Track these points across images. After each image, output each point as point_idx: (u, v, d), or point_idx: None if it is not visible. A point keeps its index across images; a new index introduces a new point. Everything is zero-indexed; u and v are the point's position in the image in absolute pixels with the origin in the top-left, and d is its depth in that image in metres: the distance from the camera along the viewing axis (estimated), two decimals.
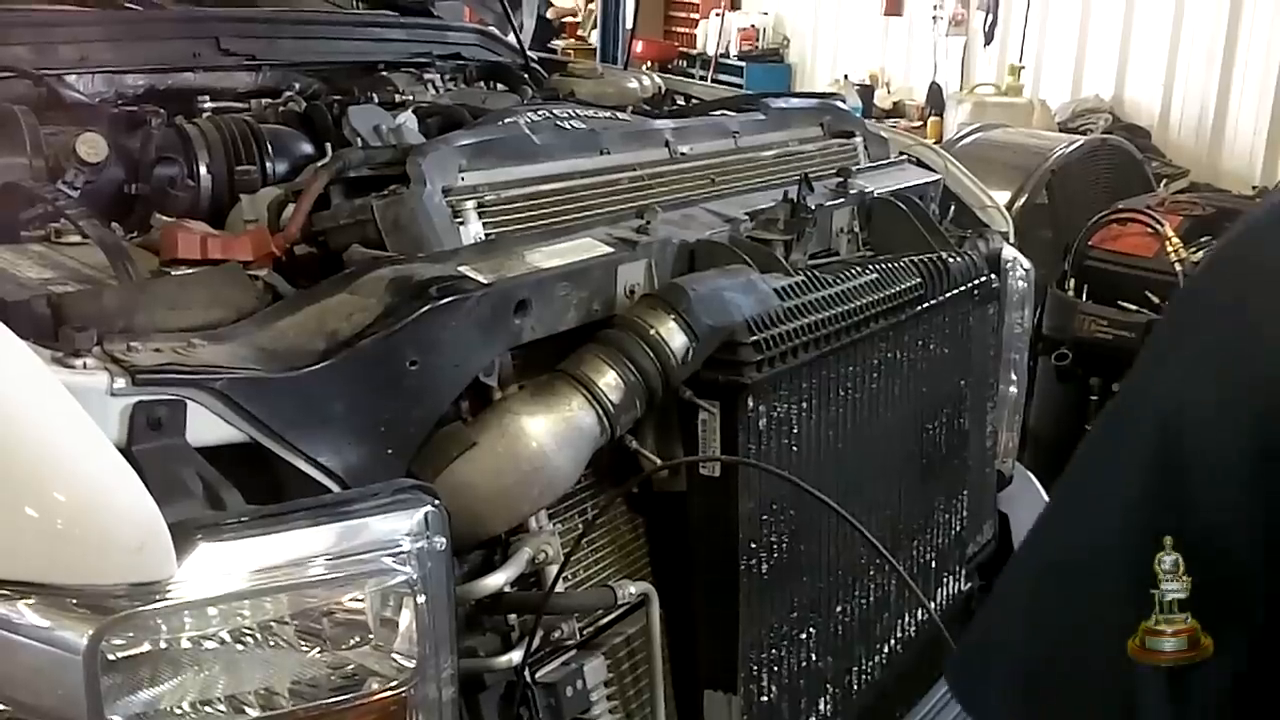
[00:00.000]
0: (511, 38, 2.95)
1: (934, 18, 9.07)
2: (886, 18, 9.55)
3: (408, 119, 2.01)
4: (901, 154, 2.55)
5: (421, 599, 1.15)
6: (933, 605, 2.07)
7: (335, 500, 1.18)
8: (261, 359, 1.23)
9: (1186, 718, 0.85)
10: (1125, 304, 3.58)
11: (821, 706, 1.82)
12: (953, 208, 2.47)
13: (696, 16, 11.19)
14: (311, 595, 1.11)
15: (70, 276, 1.40)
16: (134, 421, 1.10)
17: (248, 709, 1.09)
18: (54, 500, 1.00)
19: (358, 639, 1.14)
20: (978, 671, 0.95)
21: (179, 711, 1.06)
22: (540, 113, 2.02)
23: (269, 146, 1.87)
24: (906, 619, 2.02)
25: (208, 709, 1.07)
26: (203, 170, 1.80)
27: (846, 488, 1.76)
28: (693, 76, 9.27)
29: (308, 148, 1.93)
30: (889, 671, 1.97)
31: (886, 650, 1.97)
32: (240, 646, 1.09)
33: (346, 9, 2.95)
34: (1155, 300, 3.54)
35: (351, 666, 1.14)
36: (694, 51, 11.01)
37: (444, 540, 1.18)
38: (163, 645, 1.05)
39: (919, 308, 1.91)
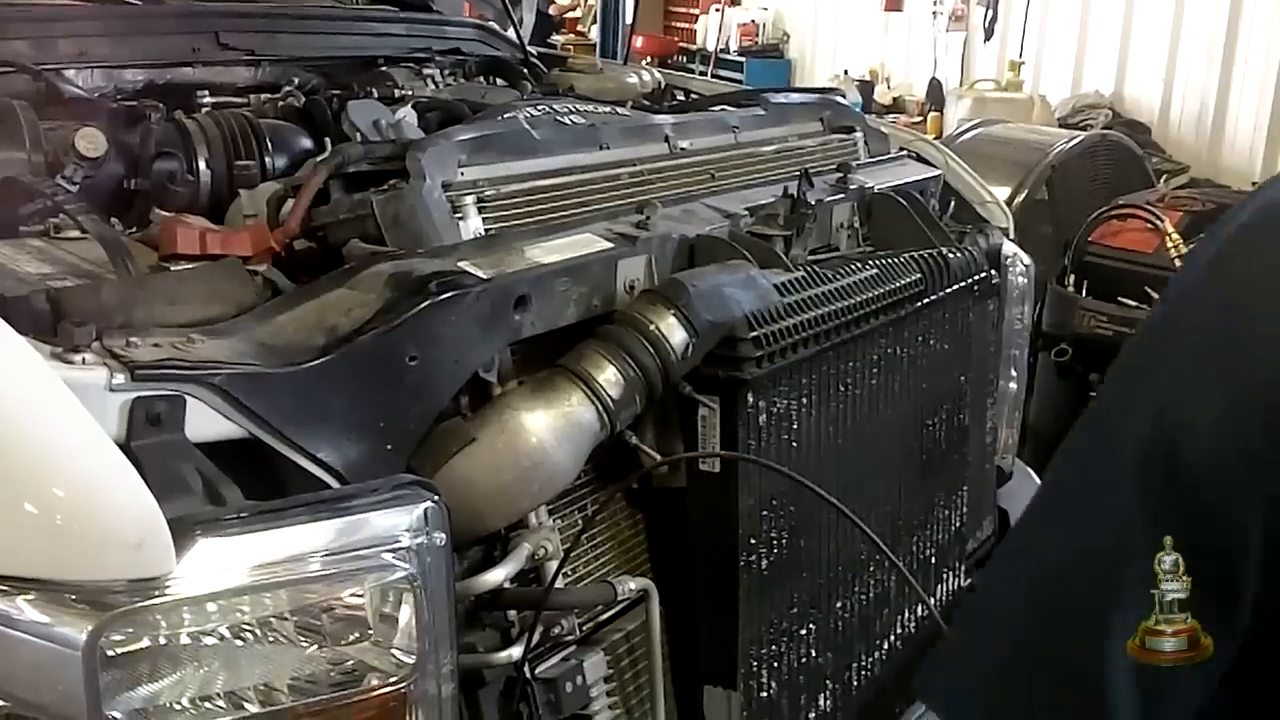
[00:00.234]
0: (511, 33, 2.95)
1: (934, 13, 9.07)
2: (886, 13, 9.55)
3: (407, 114, 2.01)
4: (901, 149, 2.55)
5: (421, 595, 1.15)
6: (932, 601, 2.07)
7: (335, 496, 1.18)
8: (261, 354, 1.23)
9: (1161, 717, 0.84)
10: (1125, 300, 3.58)
11: (821, 702, 1.82)
12: (953, 203, 2.47)
13: (696, 12, 11.19)
14: (311, 591, 1.11)
15: (69, 272, 1.40)
16: (133, 417, 1.10)
17: (247, 705, 1.09)
18: (53, 496, 1.00)
19: (357, 635, 1.14)
20: (950, 671, 0.95)
21: (178, 707, 1.06)
22: (540, 108, 2.02)
23: (268, 141, 1.87)
24: (906, 615, 2.02)
25: (207, 705, 1.07)
26: (202, 165, 1.80)
27: (846, 483, 1.76)
28: (693, 72, 9.26)
29: (307, 143, 1.93)
30: (889, 667, 1.97)
31: (886, 646, 1.97)
32: (240, 642, 1.08)
33: (346, 4, 2.95)
34: (1155, 296, 3.54)
35: (351, 662, 1.14)
36: (694, 47, 11.02)
37: (443, 536, 1.18)
38: (162, 641, 1.05)
39: (919, 303, 1.91)
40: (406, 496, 1.17)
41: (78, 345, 1.11)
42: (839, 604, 1.84)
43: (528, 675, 1.44)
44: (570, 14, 11.72)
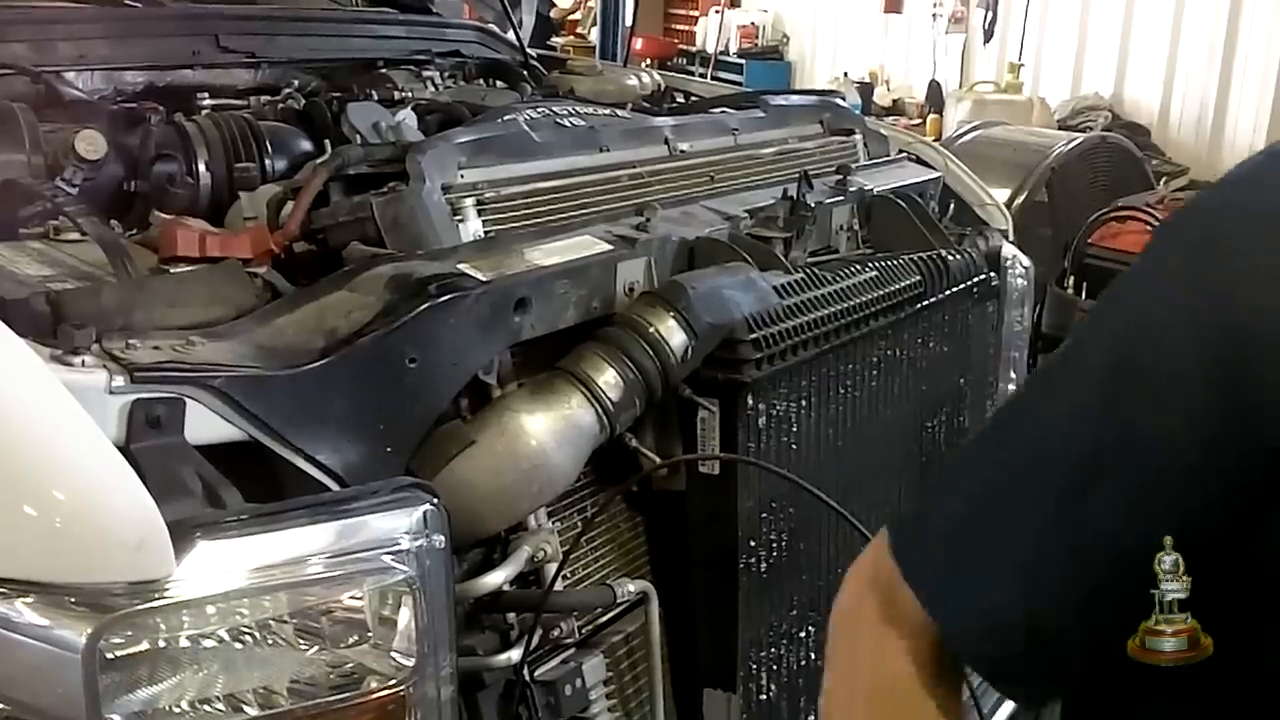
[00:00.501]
0: (511, 35, 2.95)
1: (934, 15, 9.07)
2: (886, 15, 9.55)
3: (407, 116, 2.01)
4: (901, 152, 2.55)
5: (420, 597, 1.15)
6: None
7: (334, 498, 1.18)
8: (260, 357, 1.23)
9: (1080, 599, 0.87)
10: None
11: None
12: (952, 205, 2.47)
13: (696, 14, 11.19)
14: (310, 594, 1.11)
15: (69, 274, 1.40)
16: (133, 419, 1.10)
17: (246, 708, 1.08)
18: (52, 498, 1.00)
19: (356, 637, 1.14)
20: (915, 534, 0.97)
21: (177, 710, 1.06)
22: (540, 110, 2.02)
23: (268, 144, 1.87)
24: None
25: (206, 708, 1.07)
26: (202, 168, 1.80)
27: (846, 486, 1.76)
28: (692, 74, 9.26)
29: (307, 145, 1.93)
30: None
31: None
32: (239, 645, 1.08)
33: (346, 6, 2.95)
34: None
35: (350, 665, 1.14)
36: (693, 49, 11.01)
37: (443, 538, 1.18)
38: (161, 644, 1.04)
39: (918, 305, 1.91)
40: (406, 499, 1.17)
41: (77, 348, 1.11)
42: None
43: (527, 678, 1.44)
44: (570, 16, 11.72)
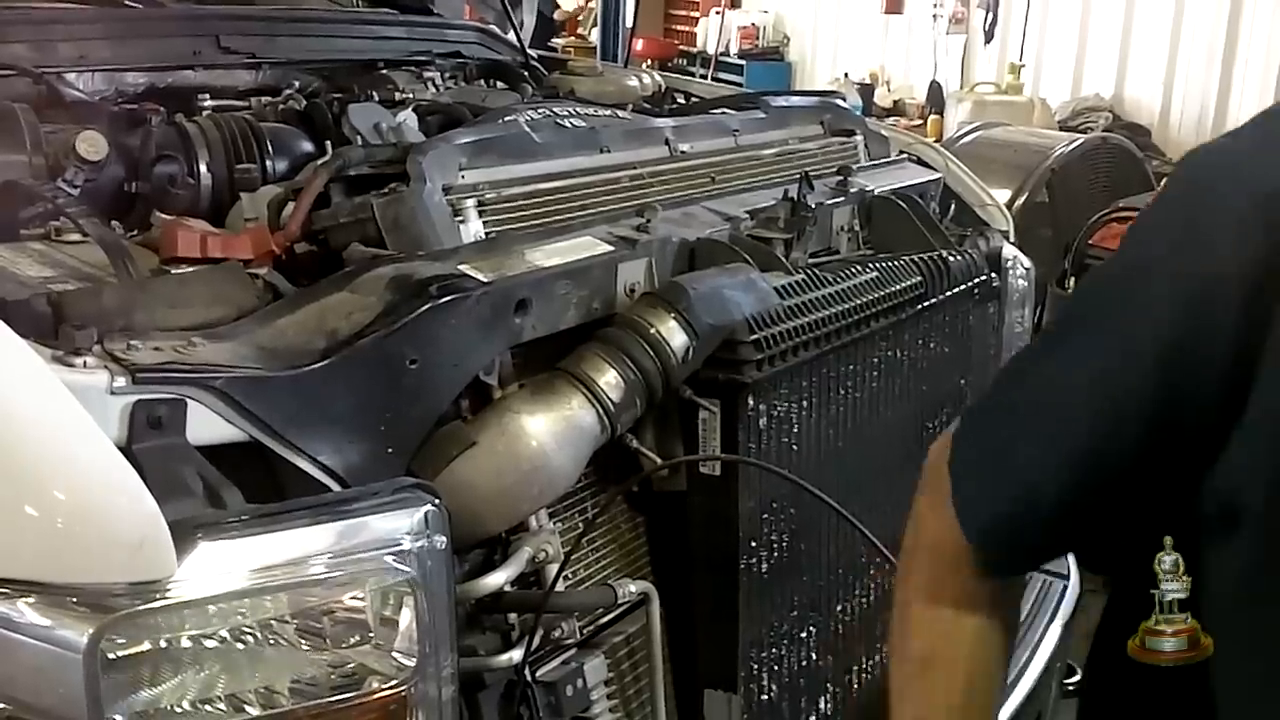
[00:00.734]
0: (511, 36, 2.95)
1: (934, 16, 9.06)
2: (887, 16, 9.54)
3: (408, 117, 2.01)
4: (902, 152, 2.55)
5: (422, 598, 1.15)
6: None
7: (335, 499, 1.18)
8: (261, 357, 1.23)
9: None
10: None
11: (822, 705, 1.82)
12: (953, 206, 2.47)
13: (697, 15, 11.18)
14: (311, 594, 1.11)
15: (70, 275, 1.40)
16: (134, 420, 1.10)
17: (248, 708, 1.09)
18: (54, 499, 1.00)
19: (358, 638, 1.14)
20: (956, 442, 1.09)
21: (179, 710, 1.06)
22: (540, 111, 2.03)
23: (269, 145, 1.87)
24: None
25: (208, 708, 1.07)
26: (203, 168, 1.80)
27: (847, 486, 1.76)
28: (693, 75, 9.26)
29: (308, 146, 1.93)
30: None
31: (887, 649, 1.97)
32: (240, 645, 1.08)
33: (347, 7, 2.95)
34: None
35: (351, 665, 1.14)
36: (694, 50, 11.00)
37: (444, 539, 1.18)
38: (163, 644, 1.05)
39: (919, 306, 1.91)
40: (407, 499, 1.17)
41: (79, 348, 1.11)
42: (839, 607, 1.84)
43: (528, 678, 1.44)
44: (574, 19, 11.72)
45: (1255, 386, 0.87)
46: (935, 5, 9.01)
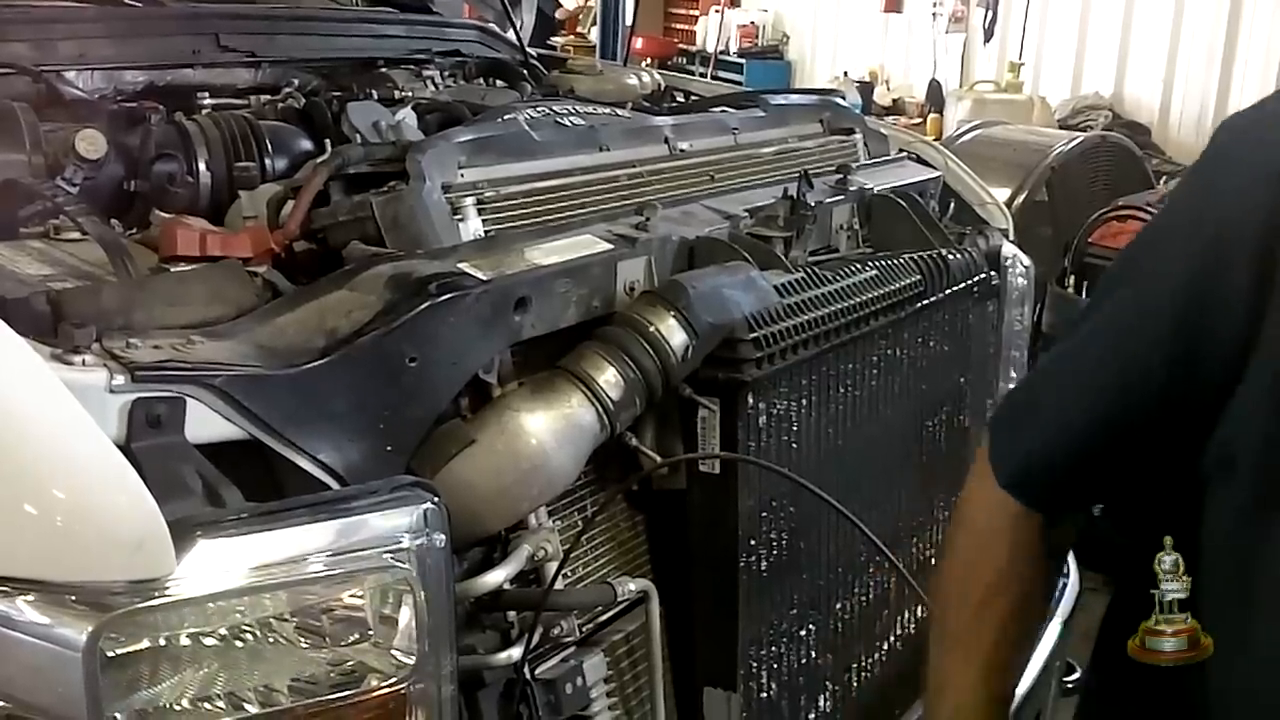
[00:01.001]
0: (511, 34, 2.95)
1: (934, 14, 9.06)
2: (886, 14, 9.54)
3: (407, 115, 2.01)
4: (901, 151, 2.55)
5: (421, 596, 1.15)
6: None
7: (334, 497, 1.18)
8: (261, 356, 1.23)
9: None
10: None
11: (821, 703, 1.82)
12: (952, 205, 2.47)
13: (696, 13, 11.18)
14: (311, 592, 1.11)
15: (69, 273, 1.40)
16: (133, 418, 1.10)
17: (247, 706, 1.09)
18: (53, 497, 1.00)
19: (357, 636, 1.14)
20: (994, 413, 1.23)
21: (178, 708, 1.06)
22: (540, 109, 2.02)
23: (268, 143, 1.87)
24: (906, 616, 2.02)
25: (207, 706, 1.07)
26: (202, 167, 1.80)
27: (846, 485, 1.76)
28: (692, 73, 9.26)
29: (307, 144, 1.93)
30: (889, 668, 1.97)
31: (886, 647, 1.97)
32: (239, 643, 1.08)
33: (346, 5, 2.95)
34: None
35: (351, 663, 1.14)
36: (694, 48, 11.00)
37: (443, 537, 1.18)
38: (162, 642, 1.05)
39: (919, 305, 1.91)
40: (406, 498, 1.17)
41: (78, 347, 1.11)
42: (839, 605, 1.84)
43: (527, 676, 1.44)
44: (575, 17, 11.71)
45: (1259, 343, 0.91)
46: (935, 4, 9.01)
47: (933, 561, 2.10)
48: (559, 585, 1.48)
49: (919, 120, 8.69)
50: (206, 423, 1.15)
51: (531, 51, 2.96)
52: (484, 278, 1.39)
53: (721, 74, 9.74)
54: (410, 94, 2.26)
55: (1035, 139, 4.89)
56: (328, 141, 1.91)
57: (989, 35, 8.74)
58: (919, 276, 1.90)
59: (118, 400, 1.09)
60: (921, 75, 9.28)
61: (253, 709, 1.09)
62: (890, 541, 1.87)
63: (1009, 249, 2.35)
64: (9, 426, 1.01)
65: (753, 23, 10.66)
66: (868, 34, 9.89)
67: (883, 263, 1.87)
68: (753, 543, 1.62)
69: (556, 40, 10.62)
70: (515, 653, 1.42)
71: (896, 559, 1.82)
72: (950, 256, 2.00)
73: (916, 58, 9.43)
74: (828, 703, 1.83)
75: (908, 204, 2.11)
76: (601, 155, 1.91)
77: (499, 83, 2.66)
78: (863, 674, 1.91)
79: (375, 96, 2.16)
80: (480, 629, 1.44)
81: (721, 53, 10.52)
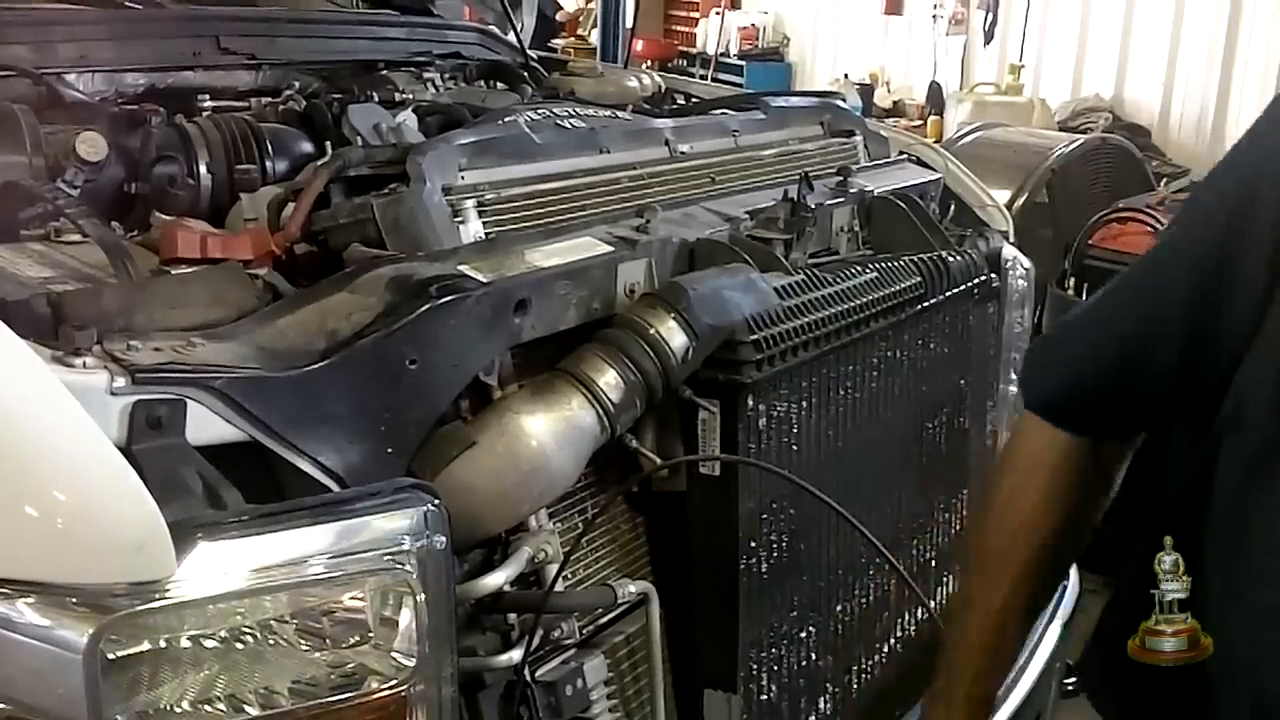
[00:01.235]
0: (511, 36, 2.95)
1: (934, 17, 9.06)
2: (886, 17, 9.54)
3: (407, 118, 2.01)
4: (901, 153, 2.55)
5: (421, 598, 1.15)
6: (932, 604, 2.07)
7: (335, 499, 1.18)
8: (261, 358, 1.23)
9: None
10: None
11: (821, 705, 1.82)
12: (953, 207, 2.47)
13: (696, 15, 11.18)
14: (311, 594, 1.11)
15: (70, 275, 1.40)
16: (134, 420, 1.10)
17: (247, 708, 1.09)
18: (54, 499, 1.00)
19: (357, 638, 1.14)
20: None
21: (179, 710, 1.06)
22: (540, 112, 2.02)
23: (269, 145, 1.87)
24: (906, 618, 2.02)
25: (207, 708, 1.07)
26: (202, 169, 1.80)
27: (846, 486, 1.76)
28: (693, 75, 9.27)
29: (307, 146, 1.93)
30: (889, 670, 1.97)
31: (886, 649, 1.97)
32: (240, 645, 1.08)
33: (347, 8, 2.95)
34: None
35: (351, 665, 1.14)
36: (694, 50, 11.00)
37: (444, 539, 1.18)
38: (162, 644, 1.05)
39: (919, 307, 1.91)
40: (407, 500, 1.17)
41: (79, 349, 1.11)
42: (839, 607, 1.84)
43: (528, 678, 1.44)
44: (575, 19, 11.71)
45: (1276, 295, 0.96)
46: (935, 6, 9.01)
47: (933, 563, 2.10)
48: (559, 587, 1.48)
49: (919, 122, 8.69)
50: (207, 425, 1.15)
51: (532, 54, 2.96)
52: (484, 280, 1.39)
53: (722, 76, 9.74)
54: (411, 96, 2.26)
55: (1035, 141, 4.90)
56: (328, 144, 1.91)
57: (989, 37, 8.74)
58: (919, 278, 1.90)
59: (118, 402, 1.10)
60: (922, 77, 9.28)
61: (253, 711, 1.09)
62: (890, 543, 1.87)
63: (1009, 251, 2.35)
64: (10, 428, 1.01)
65: (753, 25, 10.66)
66: (868, 36, 9.89)
67: (883, 265, 1.87)
68: (753, 544, 1.62)
69: (557, 42, 10.63)
70: (516, 655, 1.42)
71: (897, 561, 1.83)
72: (950, 258, 2.00)
73: (917, 60, 9.43)
74: (828, 705, 1.83)
75: (908, 206, 2.11)
76: (602, 157, 1.91)
77: (499, 85, 2.66)
78: (863, 676, 1.91)
79: (376, 99, 2.16)
80: (481, 631, 1.44)
81: (722, 55, 10.53)
